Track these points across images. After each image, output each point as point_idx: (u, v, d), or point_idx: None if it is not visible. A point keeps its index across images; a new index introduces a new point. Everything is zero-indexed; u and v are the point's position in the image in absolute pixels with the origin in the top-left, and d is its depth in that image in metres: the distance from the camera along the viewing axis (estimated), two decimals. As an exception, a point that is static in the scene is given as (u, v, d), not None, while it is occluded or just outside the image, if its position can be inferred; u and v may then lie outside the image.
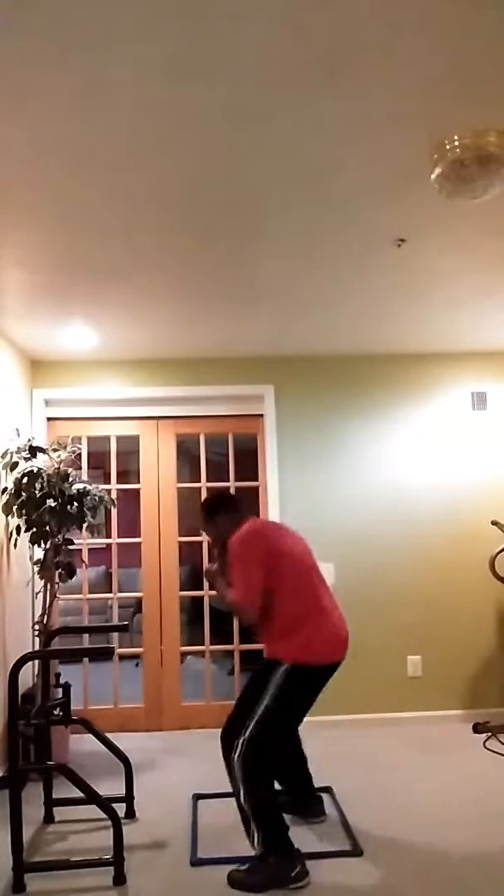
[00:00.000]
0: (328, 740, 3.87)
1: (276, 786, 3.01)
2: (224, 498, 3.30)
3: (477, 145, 2.16)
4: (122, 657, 4.77)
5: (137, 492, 4.82)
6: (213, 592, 3.62)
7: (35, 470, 3.86)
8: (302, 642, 2.82)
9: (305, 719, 2.90)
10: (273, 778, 2.81)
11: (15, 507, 3.80)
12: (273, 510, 4.67)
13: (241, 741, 2.70)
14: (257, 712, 2.74)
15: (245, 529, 2.93)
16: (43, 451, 3.97)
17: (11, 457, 3.87)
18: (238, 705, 2.96)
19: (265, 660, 2.98)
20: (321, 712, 3.64)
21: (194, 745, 4.24)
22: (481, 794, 3.41)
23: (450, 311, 3.95)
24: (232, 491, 4.71)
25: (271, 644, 2.95)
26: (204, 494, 4.79)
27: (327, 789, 3.46)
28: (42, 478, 3.85)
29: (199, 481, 4.87)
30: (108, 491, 4.29)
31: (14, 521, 3.87)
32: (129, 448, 4.88)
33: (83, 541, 4.47)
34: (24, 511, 3.80)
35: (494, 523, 4.51)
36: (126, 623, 4.26)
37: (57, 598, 4.07)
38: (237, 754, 2.69)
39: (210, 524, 3.14)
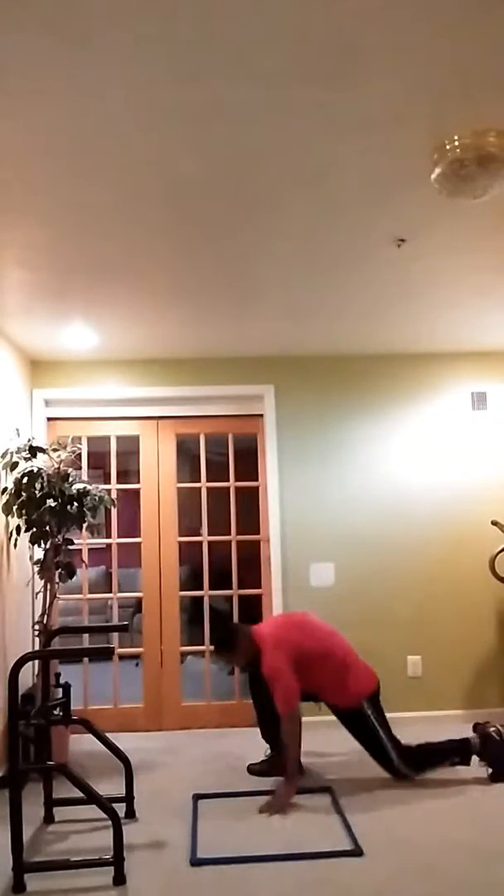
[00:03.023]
0: (328, 740, 3.87)
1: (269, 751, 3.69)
2: (229, 630, 3.81)
3: (477, 145, 2.16)
4: (122, 657, 4.77)
5: (137, 492, 4.82)
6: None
7: (35, 470, 3.86)
8: (352, 686, 3.55)
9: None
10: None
11: (15, 507, 3.80)
12: (273, 510, 4.67)
13: (399, 766, 3.51)
14: (384, 742, 3.51)
15: (269, 651, 3.45)
16: (43, 451, 3.97)
17: (11, 457, 3.87)
18: (371, 751, 3.57)
19: (345, 711, 3.57)
20: (321, 712, 3.66)
21: (194, 745, 4.24)
22: (481, 794, 3.41)
23: (450, 311, 3.95)
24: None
25: (336, 697, 3.58)
26: (204, 496, 4.83)
27: (327, 789, 3.46)
28: (42, 478, 3.84)
29: (199, 481, 4.88)
30: (108, 491, 4.29)
31: (14, 521, 3.87)
32: (129, 448, 4.88)
33: (83, 541, 4.47)
34: (24, 511, 3.80)
35: (494, 523, 4.51)
36: (126, 623, 4.26)
37: (57, 598, 4.07)
38: (407, 773, 3.51)
39: (236, 656, 3.68)
